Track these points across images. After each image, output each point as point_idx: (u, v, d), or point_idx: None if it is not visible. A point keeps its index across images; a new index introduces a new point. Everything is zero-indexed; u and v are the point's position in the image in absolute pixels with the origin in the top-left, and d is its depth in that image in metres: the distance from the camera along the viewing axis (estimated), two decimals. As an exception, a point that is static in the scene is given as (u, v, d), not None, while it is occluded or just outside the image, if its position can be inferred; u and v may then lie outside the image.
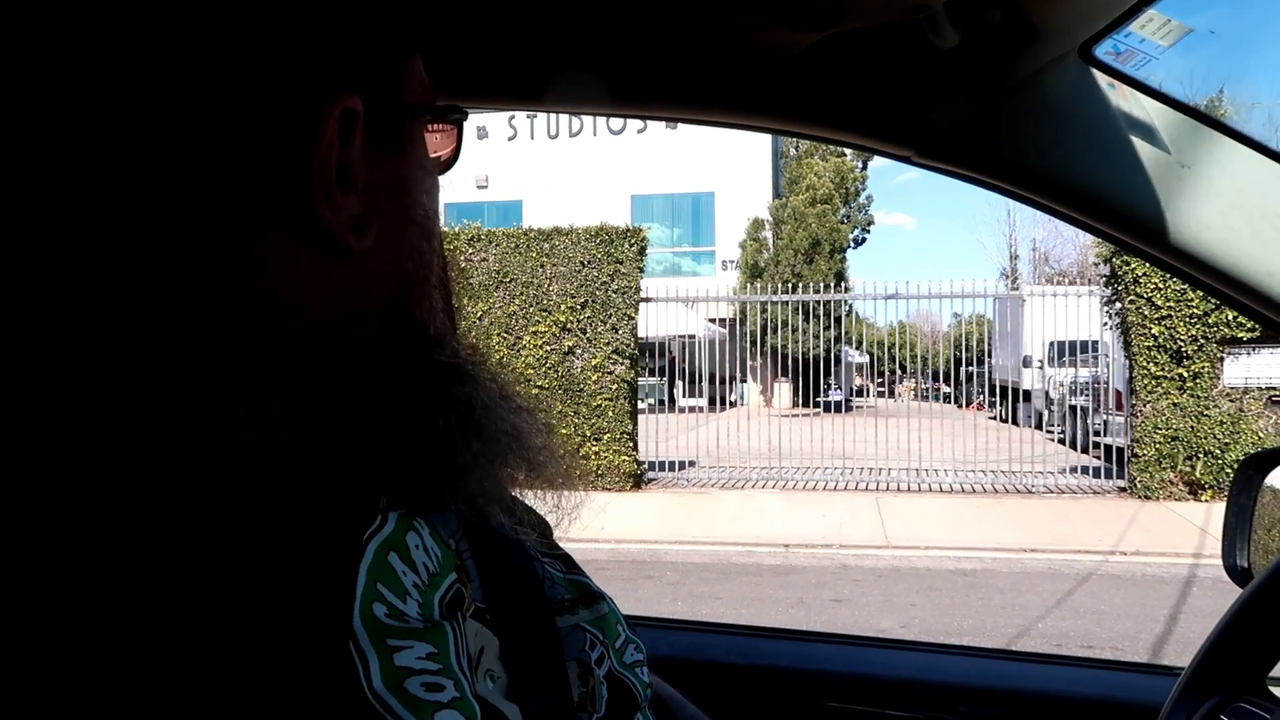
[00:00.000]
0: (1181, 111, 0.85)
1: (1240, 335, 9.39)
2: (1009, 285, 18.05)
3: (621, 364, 10.59)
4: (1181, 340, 9.52)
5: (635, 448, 10.79)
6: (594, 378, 10.58)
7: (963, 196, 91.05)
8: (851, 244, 27.74)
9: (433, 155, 0.60)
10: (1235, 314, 9.35)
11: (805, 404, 14.76)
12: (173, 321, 0.46)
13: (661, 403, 15.95)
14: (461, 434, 0.51)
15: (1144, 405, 9.64)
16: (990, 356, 19.62)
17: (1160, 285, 9.55)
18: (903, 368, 29.87)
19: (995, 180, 0.90)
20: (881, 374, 29.88)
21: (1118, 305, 10.01)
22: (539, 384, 10.49)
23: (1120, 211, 0.85)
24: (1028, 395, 17.46)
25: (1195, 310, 9.48)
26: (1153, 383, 9.62)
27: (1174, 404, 9.56)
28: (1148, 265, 9.49)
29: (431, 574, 0.47)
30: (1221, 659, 0.98)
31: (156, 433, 0.45)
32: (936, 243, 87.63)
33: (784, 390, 19.35)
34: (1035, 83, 0.84)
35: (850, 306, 18.00)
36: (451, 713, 0.42)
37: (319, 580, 0.41)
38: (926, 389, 23.49)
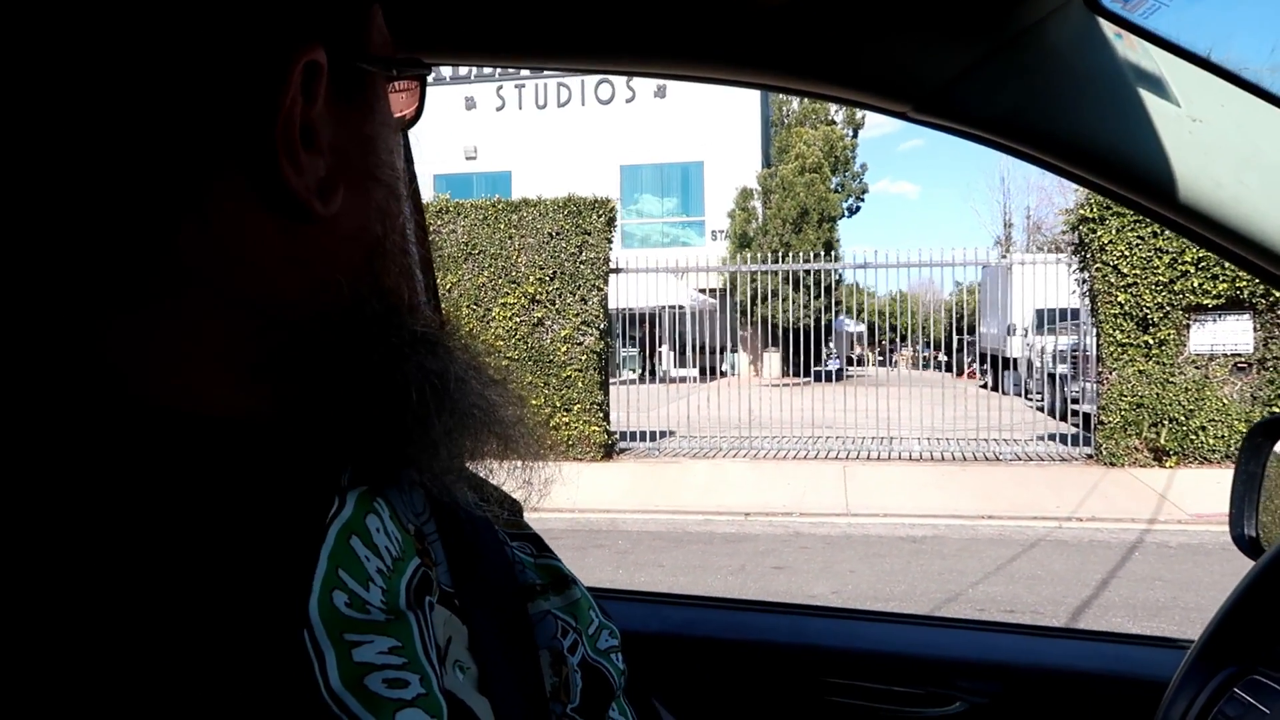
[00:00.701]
0: (1193, 62, 0.80)
1: (1206, 302, 9.38)
2: (1002, 253, 17.96)
3: (591, 335, 10.63)
4: (1147, 307, 9.51)
5: (606, 418, 10.85)
6: (563, 349, 10.63)
7: (967, 165, 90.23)
8: (845, 213, 27.68)
9: (396, 115, 0.58)
10: (1200, 281, 9.34)
11: (797, 374, 14.76)
12: (126, 289, 0.43)
13: (653, 372, 16.01)
14: (435, 408, 0.49)
15: (1110, 372, 9.66)
16: (979, 325, 19.58)
17: (1126, 253, 9.53)
18: (903, 337, 29.87)
19: (995, 137, 0.85)
20: (880, 343, 29.87)
21: (1085, 273, 10.00)
22: (509, 355, 10.54)
23: (1127, 169, 0.81)
24: (1013, 363, 17.46)
25: (1161, 278, 9.47)
26: (1119, 350, 9.62)
27: (1139, 371, 9.57)
28: (1114, 233, 9.51)
29: (395, 558, 0.44)
30: (1234, 630, 0.96)
31: (106, 409, 0.42)
32: (940, 211, 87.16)
33: (773, 360, 19.36)
34: (1038, 32, 0.79)
35: (840, 275, 17.97)
36: (415, 711, 0.39)
37: (273, 569, 0.38)
38: (924, 358, 23.48)
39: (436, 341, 0.52)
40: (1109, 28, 0.79)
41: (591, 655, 0.62)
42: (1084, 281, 10.08)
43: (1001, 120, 0.83)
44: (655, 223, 26.00)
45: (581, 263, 10.64)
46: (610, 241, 10.77)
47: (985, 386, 17.39)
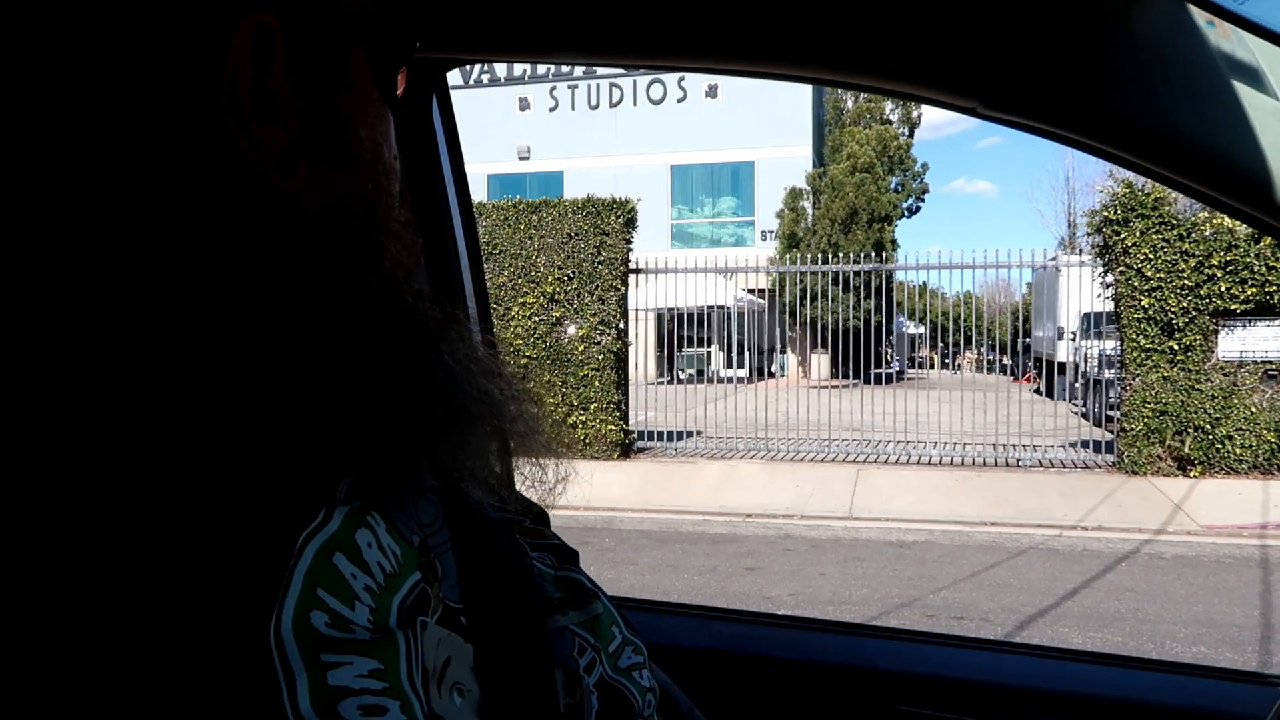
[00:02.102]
0: None
1: (1234, 308, 9.07)
2: (1050, 256, 17.54)
3: (608, 334, 10.74)
4: (1172, 312, 9.24)
5: (624, 417, 10.94)
6: (581, 348, 10.76)
7: (1050, 161, 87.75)
8: (905, 213, 27.29)
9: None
10: (1228, 286, 9.03)
11: (848, 376, 14.64)
12: (83, 269, 0.42)
13: (701, 373, 16.03)
14: (427, 400, 0.46)
15: (1133, 378, 9.40)
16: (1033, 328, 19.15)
17: (1150, 256, 9.27)
18: (967, 340, 29.31)
19: (1072, 134, 0.79)
20: (944, 345, 29.34)
21: (1110, 277, 9.75)
22: (527, 354, 10.71)
23: (1220, 168, 0.74)
24: (1062, 367, 17.04)
25: (1186, 282, 9.18)
26: (1142, 355, 9.37)
27: (1164, 377, 9.30)
28: (1138, 235, 9.25)
29: (389, 574, 0.42)
30: None
31: (97, 408, 0.40)
32: (1019, 210, 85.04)
33: (821, 362, 19.21)
34: (1121, 21, 0.73)
35: (888, 276, 17.77)
36: None
37: (244, 587, 0.37)
38: (987, 361, 23.05)
39: (428, 329, 0.49)
40: (1200, 15, 0.73)
41: (611, 674, 0.58)
42: (1109, 285, 9.83)
43: (1079, 115, 0.77)
44: (700, 223, 25.96)
45: (600, 263, 10.75)
46: (629, 242, 10.87)
47: (1039, 391, 17.01)
